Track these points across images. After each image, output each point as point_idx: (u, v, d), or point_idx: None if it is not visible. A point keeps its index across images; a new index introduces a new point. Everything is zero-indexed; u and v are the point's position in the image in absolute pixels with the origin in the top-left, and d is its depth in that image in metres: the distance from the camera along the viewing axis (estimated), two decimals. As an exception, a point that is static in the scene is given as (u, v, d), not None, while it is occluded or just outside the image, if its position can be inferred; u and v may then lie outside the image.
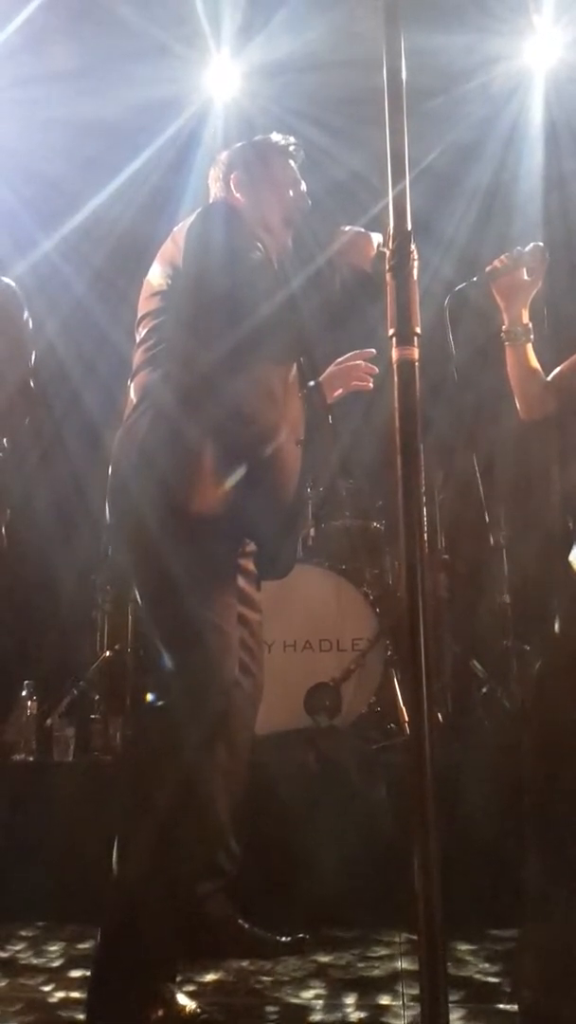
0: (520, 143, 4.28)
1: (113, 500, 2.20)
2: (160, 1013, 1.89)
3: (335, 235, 2.28)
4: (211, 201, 2.46)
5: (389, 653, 3.55)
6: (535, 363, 2.29)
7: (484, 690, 3.73)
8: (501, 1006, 2.03)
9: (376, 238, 2.23)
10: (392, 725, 3.45)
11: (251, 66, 4.19)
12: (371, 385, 2.63)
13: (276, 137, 2.49)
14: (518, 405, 2.32)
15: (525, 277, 2.26)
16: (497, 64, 4.12)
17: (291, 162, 2.46)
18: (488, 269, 2.25)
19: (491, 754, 3.01)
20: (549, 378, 2.29)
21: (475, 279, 2.25)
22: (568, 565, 2.00)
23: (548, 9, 3.84)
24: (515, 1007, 1.93)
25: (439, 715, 3.48)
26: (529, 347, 2.30)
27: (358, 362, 2.63)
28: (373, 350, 2.60)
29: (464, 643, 3.87)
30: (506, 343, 2.30)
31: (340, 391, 2.65)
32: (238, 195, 2.41)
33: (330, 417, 2.67)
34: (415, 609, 1.24)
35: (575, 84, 4.18)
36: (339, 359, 2.65)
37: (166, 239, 2.34)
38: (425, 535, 1.26)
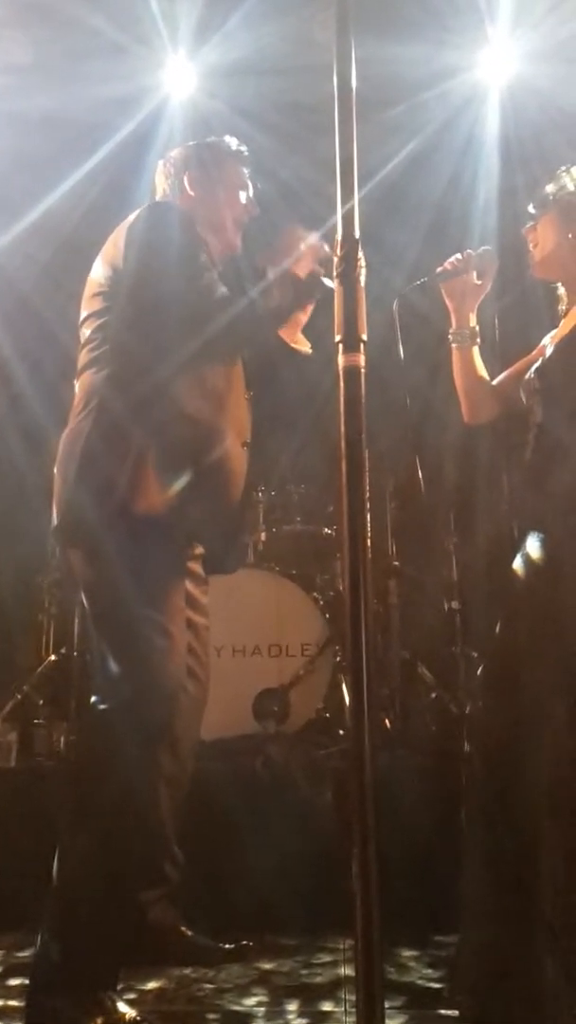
0: (476, 155, 4.32)
1: (59, 501, 2.18)
2: (99, 1021, 1.87)
3: (280, 235, 2.29)
4: (157, 199, 2.45)
5: (338, 659, 3.56)
6: (481, 367, 2.32)
7: (433, 695, 3.75)
8: (442, 1011, 2.03)
9: (311, 237, 2.25)
10: (342, 731, 3.46)
11: (207, 67, 4.18)
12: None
13: (229, 140, 2.50)
14: (463, 408, 2.34)
15: (475, 280, 2.29)
16: (453, 76, 4.16)
17: (243, 167, 2.47)
18: (438, 271, 2.27)
19: (438, 759, 3.03)
20: (495, 383, 2.31)
21: (424, 280, 2.27)
22: (512, 571, 2.02)
23: (503, 21, 3.88)
24: (455, 1012, 1.94)
25: (387, 720, 3.50)
26: (475, 351, 2.32)
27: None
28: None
29: (413, 649, 3.89)
30: (453, 345, 2.32)
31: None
32: (192, 193, 2.40)
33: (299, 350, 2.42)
34: (358, 616, 1.24)
35: (529, 96, 4.22)
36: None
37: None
38: (368, 541, 1.26)
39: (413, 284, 2.27)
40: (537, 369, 2.15)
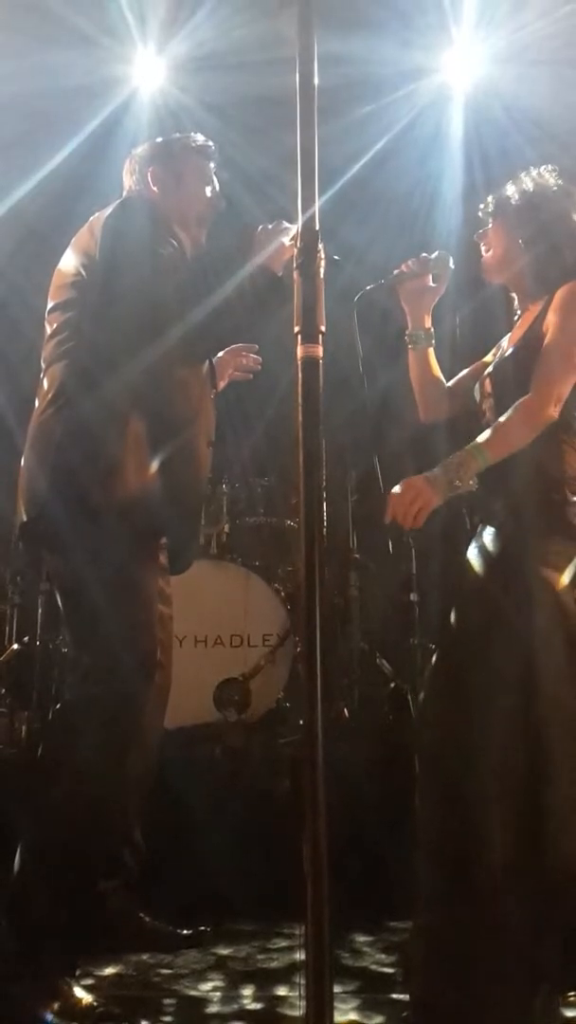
0: (440, 154, 4.36)
1: (28, 497, 2.18)
2: (56, 1007, 1.88)
3: (254, 235, 2.30)
4: (126, 193, 2.45)
5: (299, 649, 3.58)
6: (436, 367, 2.35)
7: (391, 686, 3.79)
8: (394, 995, 2.07)
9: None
10: (302, 720, 3.48)
11: (176, 61, 4.18)
12: (250, 376, 2.67)
13: (195, 136, 2.50)
14: (418, 407, 2.37)
15: (430, 283, 2.32)
16: (418, 76, 4.19)
17: (208, 162, 2.48)
18: (395, 273, 2.30)
19: (395, 749, 3.07)
20: (450, 384, 2.35)
21: (383, 282, 2.30)
22: (465, 564, 2.06)
23: (467, 23, 3.91)
24: (407, 996, 1.98)
25: (345, 710, 3.53)
26: (430, 351, 2.35)
27: (244, 354, 2.64)
28: (256, 346, 2.64)
29: (372, 640, 3.93)
30: (409, 346, 2.35)
31: (224, 380, 2.64)
32: (155, 189, 2.41)
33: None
34: (312, 607, 1.27)
35: (493, 97, 4.27)
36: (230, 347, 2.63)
37: (81, 227, 2.32)
38: (324, 527, 1.29)
39: (373, 285, 2.29)
40: (490, 372, 2.20)
